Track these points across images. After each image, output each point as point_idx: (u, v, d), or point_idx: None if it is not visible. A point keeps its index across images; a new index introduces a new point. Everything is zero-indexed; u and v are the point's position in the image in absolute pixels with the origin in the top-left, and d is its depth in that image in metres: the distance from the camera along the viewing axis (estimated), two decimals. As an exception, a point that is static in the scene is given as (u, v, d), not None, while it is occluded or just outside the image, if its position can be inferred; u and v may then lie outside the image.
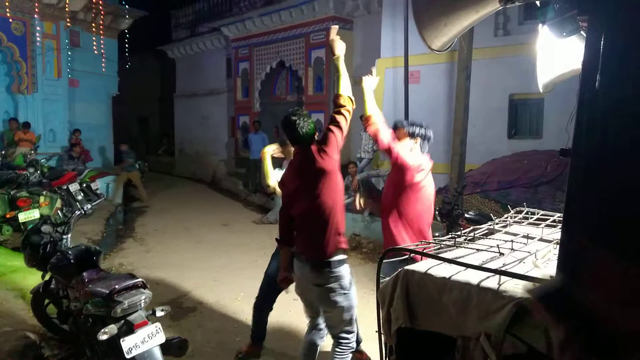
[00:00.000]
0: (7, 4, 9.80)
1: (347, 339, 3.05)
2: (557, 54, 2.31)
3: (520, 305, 1.69)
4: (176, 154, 18.70)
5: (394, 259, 2.49)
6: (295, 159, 3.04)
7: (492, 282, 1.87)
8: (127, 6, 13.24)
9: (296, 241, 3.06)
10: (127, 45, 13.89)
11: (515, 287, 1.80)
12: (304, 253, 3.00)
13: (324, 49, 11.90)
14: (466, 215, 5.39)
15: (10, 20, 10.15)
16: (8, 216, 6.42)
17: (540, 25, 2.23)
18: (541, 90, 2.57)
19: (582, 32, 2.01)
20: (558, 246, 1.67)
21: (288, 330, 4.43)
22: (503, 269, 1.91)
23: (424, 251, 2.24)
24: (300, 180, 2.94)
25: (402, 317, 2.10)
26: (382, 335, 2.30)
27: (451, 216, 5.33)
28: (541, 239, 2.45)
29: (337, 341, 3.07)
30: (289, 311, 4.58)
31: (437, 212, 5.90)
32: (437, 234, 3.61)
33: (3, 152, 9.34)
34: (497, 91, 8.43)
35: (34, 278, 4.55)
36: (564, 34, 2.05)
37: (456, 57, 7.68)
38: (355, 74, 11.92)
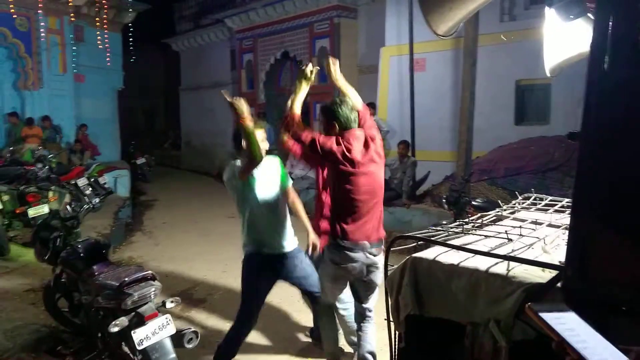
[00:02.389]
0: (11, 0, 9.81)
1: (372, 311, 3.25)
2: (564, 38, 2.27)
3: (530, 291, 1.69)
4: (182, 147, 18.73)
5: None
6: (354, 138, 2.88)
7: (501, 268, 1.86)
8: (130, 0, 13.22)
9: (349, 229, 2.89)
10: (131, 39, 13.89)
11: (525, 273, 1.80)
12: (367, 238, 2.92)
13: (328, 38, 11.84)
14: (473, 202, 5.38)
15: (15, 16, 10.16)
16: (18, 211, 6.47)
17: (546, 8, 2.20)
18: (548, 75, 2.53)
19: (588, 14, 1.98)
20: (567, 231, 1.66)
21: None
22: (512, 254, 1.91)
23: (432, 238, 2.23)
24: (366, 156, 2.88)
25: (411, 304, 2.10)
26: (391, 323, 2.30)
27: (458, 204, 5.33)
28: (550, 225, 2.43)
29: (366, 316, 3.22)
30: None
31: (444, 200, 5.90)
32: (444, 222, 3.60)
33: (12, 149, 9.39)
34: (504, 77, 8.36)
35: (44, 272, 4.60)
36: (571, 16, 2.02)
37: (461, 43, 7.61)
38: (361, 63, 11.89)
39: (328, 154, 2.80)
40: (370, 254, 2.93)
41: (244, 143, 2.90)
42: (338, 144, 2.81)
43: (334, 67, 3.03)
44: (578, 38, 2.17)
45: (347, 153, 2.78)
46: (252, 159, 2.88)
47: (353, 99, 3.04)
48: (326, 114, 2.96)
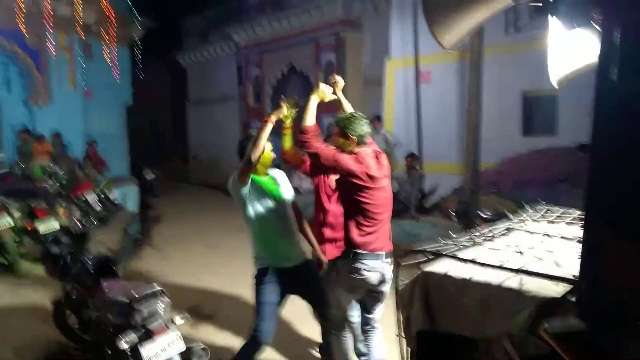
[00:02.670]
0: (22, 18, 9.97)
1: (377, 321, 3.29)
2: (569, 48, 2.27)
3: (543, 305, 1.67)
4: (190, 161, 18.83)
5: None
6: (368, 154, 3.02)
7: (513, 281, 1.84)
8: (138, 16, 13.40)
9: (367, 240, 2.98)
10: (139, 55, 14.06)
11: (537, 287, 1.78)
12: (382, 248, 3.02)
13: (334, 52, 11.92)
14: (482, 214, 5.34)
15: (25, 34, 10.32)
16: (28, 228, 6.51)
17: (550, 16, 2.20)
18: (555, 86, 2.53)
19: (592, 23, 1.98)
20: (579, 244, 1.64)
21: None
22: (524, 268, 1.89)
23: (443, 252, 2.21)
24: (381, 172, 3.01)
25: (422, 319, 2.08)
26: (403, 338, 2.28)
27: (467, 216, 5.30)
28: (561, 237, 2.41)
29: (373, 326, 3.28)
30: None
31: (453, 213, 5.87)
32: (454, 235, 3.58)
33: (23, 165, 9.48)
34: (510, 88, 8.35)
35: (54, 289, 4.61)
36: (575, 25, 2.02)
37: (467, 55, 7.63)
38: (366, 76, 11.94)
39: (348, 171, 2.89)
40: (385, 262, 2.99)
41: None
42: (358, 162, 2.90)
43: (339, 84, 3.26)
44: (583, 48, 2.16)
45: (367, 171, 2.89)
46: (248, 158, 2.89)
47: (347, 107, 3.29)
48: (343, 127, 3.02)
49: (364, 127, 2.99)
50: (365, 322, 3.32)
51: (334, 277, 3.11)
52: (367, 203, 2.93)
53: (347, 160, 2.90)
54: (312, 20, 12.19)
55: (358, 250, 2.95)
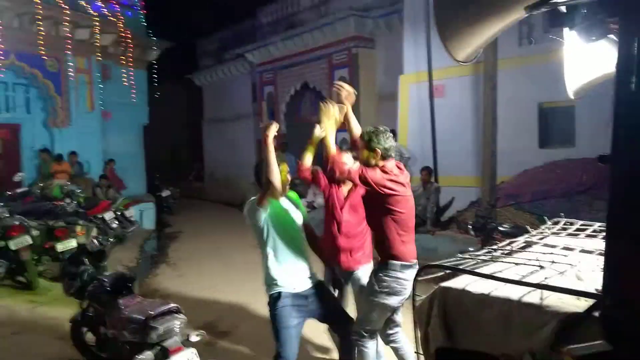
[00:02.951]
0: (41, 42, 10.23)
1: None
2: (586, 59, 2.25)
3: (566, 321, 1.62)
4: (206, 178, 18.98)
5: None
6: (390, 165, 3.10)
7: (533, 297, 1.80)
8: (154, 38, 13.66)
9: (406, 250, 3.08)
10: (155, 76, 14.30)
11: (559, 302, 1.73)
12: (415, 257, 3.13)
13: (347, 68, 11.99)
14: (501, 228, 5.26)
15: (45, 57, 10.58)
16: (47, 247, 6.59)
17: (567, 29, 2.18)
18: (571, 97, 2.50)
19: (611, 35, 1.96)
20: (602, 257, 1.60)
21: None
22: (544, 282, 1.84)
23: (461, 267, 2.18)
24: (406, 181, 3.14)
25: (441, 336, 2.04)
26: (421, 356, 2.23)
27: (485, 230, 5.22)
28: (582, 250, 2.35)
29: (399, 325, 3.35)
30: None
31: (470, 227, 5.79)
32: (471, 249, 3.53)
33: (42, 185, 9.63)
34: (526, 100, 8.29)
35: (72, 307, 4.64)
36: (593, 38, 2.00)
37: (481, 68, 7.61)
38: (379, 92, 11.98)
39: (379, 184, 2.95)
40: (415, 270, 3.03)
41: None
42: (385, 172, 3.00)
43: (344, 91, 3.30)
44: (600, 59, 2.14)
45: (397, 179, 3.00)
46: (268, 182, 2.86)
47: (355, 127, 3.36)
48: (368, 140, 3.07)
49: (388, 140, 3.05)
50: (393, 324, 3.33)
51: (374, 289, 3.07)
52: (402, 212, 3.02)
53: (380, 175, 2.97)
54: (325, 37, 12.30)
55: (399, 262, 3.03)
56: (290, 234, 3.10)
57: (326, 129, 3.18)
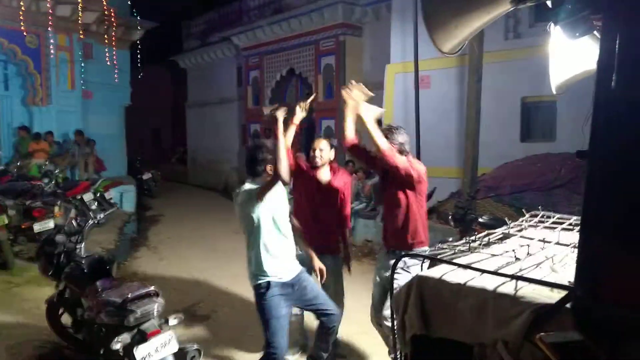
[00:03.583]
0: (21, 17, 9.96)
1: None
2: (570, 55, 2.27)
3: (538, 312, 1.66)
4: (189, 162, 18.82)
5: None
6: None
7: (508, 287, 1.83)
8: (138, 18, 13.40)
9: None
10: (139, 56, 14.05)
11: (533, 293, 1.77)
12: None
13: (333, 55, 11.93)
14: (480, 219, 5.31)
15: (25, 33, 10.31)
16: (23, 227, 6.49)
17: (551, 25, 2.20)
18: (554, 92, 2.53)
19: (595, 32, 1.98)
20: (576, 250, 1.63)
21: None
22: (520, 274, 1.88)
23: (439, 257, 2.20)
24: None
25: (417, 324, 2.06)
26: (397, 343, 2.26)
27: (464, 221, 5.28)
28: (558, 243, 2.40)
29: None
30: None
31: (450, 217, 5.86)
32: (450, 239, 3.57)
33: (19, 164, 9.45)
34: (509, 94, 8.36)
35: (48, 288, 4.59)
36: (577, 34, 2.02)
37: (466, 61, 7.63)
38: (366, 80, 11.95)
39: (418, 173, 3.25)
40: None
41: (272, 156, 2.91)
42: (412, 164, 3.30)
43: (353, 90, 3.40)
44: (584, 55, 2.16)
45: (420, 170, 3.28)
46: (277, 176, 2.75)
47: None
48: (385, 137, 3.20)
49: (403, 136, 3.28)
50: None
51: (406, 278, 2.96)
52: (423, 200, 3.34)
53: (404, 161, 3.20)
54: (312, 23, 12.21)
55: (426, 248, 3.23)
56: (281, 222, 3.06)
57: (348, 112, 3.32)
